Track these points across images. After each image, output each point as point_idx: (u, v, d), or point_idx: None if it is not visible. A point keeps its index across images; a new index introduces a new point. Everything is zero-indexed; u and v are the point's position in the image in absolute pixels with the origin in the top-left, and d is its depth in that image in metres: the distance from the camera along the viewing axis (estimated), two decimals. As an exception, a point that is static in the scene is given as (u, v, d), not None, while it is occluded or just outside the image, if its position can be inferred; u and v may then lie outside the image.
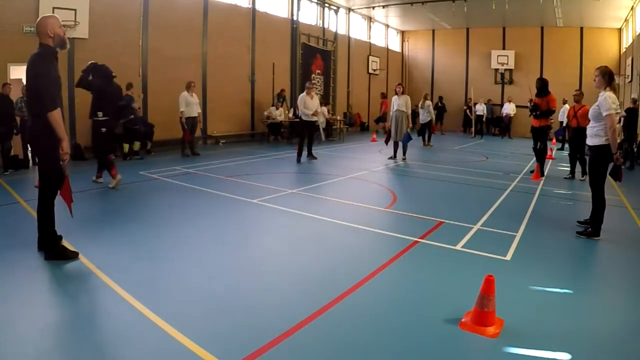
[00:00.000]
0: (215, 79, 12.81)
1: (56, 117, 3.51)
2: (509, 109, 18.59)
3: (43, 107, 3.48)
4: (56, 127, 3.52)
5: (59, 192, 3.78)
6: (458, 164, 10.55)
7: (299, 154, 10.01)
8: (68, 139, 3.68)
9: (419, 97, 15.36)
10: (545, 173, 9.13)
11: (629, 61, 15.27)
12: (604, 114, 4.57)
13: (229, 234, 4.78)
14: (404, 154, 10.76)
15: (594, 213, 4.83)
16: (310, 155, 10.36)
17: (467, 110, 20.15)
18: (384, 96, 18.71)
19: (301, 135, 10.26)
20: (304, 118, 10.18)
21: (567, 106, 13.43)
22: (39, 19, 3.67)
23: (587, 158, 5.06)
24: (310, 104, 10.11)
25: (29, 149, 7.80)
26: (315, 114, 10.19)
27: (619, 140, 6.99)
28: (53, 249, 3.73)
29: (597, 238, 4.77)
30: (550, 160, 11.54)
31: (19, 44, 8.29)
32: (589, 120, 4.91)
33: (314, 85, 10.64)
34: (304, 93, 10.25)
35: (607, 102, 4.55)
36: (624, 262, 4.28)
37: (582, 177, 8.51)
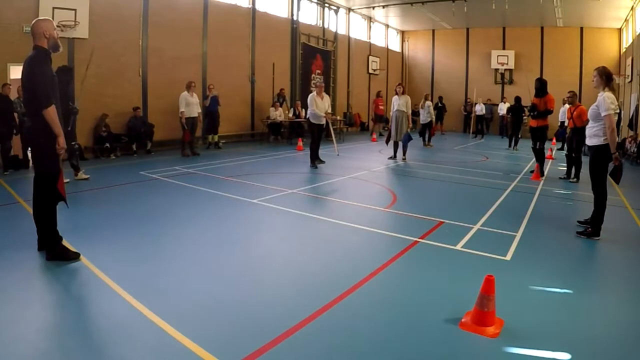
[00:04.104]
0: (215, 79, 12.80)
1: (51, 113, 3.58)
2: (504, 109, 18.59)
3: (39, 105, 3.54)
4: (52, 124, 3.60)
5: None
6: (458, 164, 10.55)
7: (313, 159, 9.35)
8: (63, 135, 3.73)
9: (419, 97, 15.36)
10: (545, 173, 9.13)
11: (629, 61, 15.27)
12: (603, 114, 4.57)
13: (229, 234, 4.77)
14: (404, 154, 10.77)
15: (594, 213, 4.83)
16: (318, 159, 9.40)
17: (463, 108, 20.71)
18: (379, 95, 18.60)
19: (313, 139, 9.35)
20: (312, 120, 9.28)
21: (567, 106, 13.44)
22: (34, 21, 3.73)
23: (588, 158, 5.05)
24: (321, 105, 9.24)
25: (29, 148, 7.84)
26: (326, 116, 9.29)
27: (618, 140, 6.99)
28: (54, 250, 3.74)
29: (597, 238, 4.77)
30: (550, 160, 11.54)
31: (19, 44, 8.29)
32: (587, 120, 4.91)
33: (322, 85, 9.81)
34: (314, 93, 9.36)
35: (605, 102, 4.55)
36: (624, 262, 4.29)
37: (573, 178, 8.50)
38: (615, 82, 4.87)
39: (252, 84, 14.53)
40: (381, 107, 18.00)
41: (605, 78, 4.67)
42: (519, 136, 14.48)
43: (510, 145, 14.34)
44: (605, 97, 4.57)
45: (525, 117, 15.49)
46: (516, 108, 13.95)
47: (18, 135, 8.21)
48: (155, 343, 2.55)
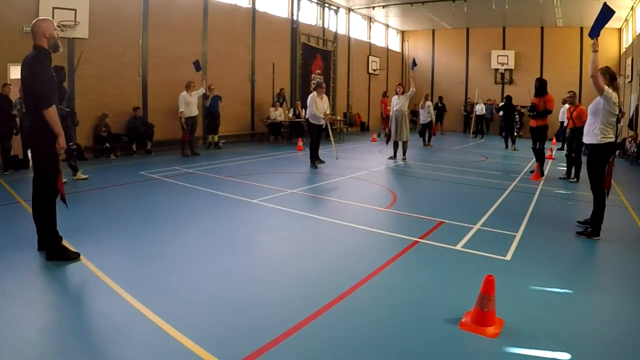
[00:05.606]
0: (215, 79, 12.80)
1: (51, 114, 3.58)
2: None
3: (39, 105, 3.54)
4: (52, 124, 3.60)
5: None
6: (458, 164, 10.55)
7: (312, 159, 9.33)
8: (63, 135, 3.72)
9: (419, 97, 15.37)
10: (545, 173, 9.13)
11: (629, 61, 15.27)
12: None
13: (229, 234, 4.77)
14: (404, 154, 10.77)
15: (594, 213, 4.83)
16: (317, 159, 9.37)
17: (463, 108, 20.75)
18: (385, 95, 18.34)
19: (312, 139, 9.31)
20: (311, 121, 9.24)
21: (567, 106, 13.44)
22: (34, 21, 3.72)
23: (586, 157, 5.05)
24: (320, 106, 9.18)
25: (29, 149, 7.83)
26: (325, 117, 9.22)
27: (618, 140, 6.98)
28: (54, 250, 3.74)
29: (597, 238, 4.77)
30: (550, 160, 11.54)
31: (19, 44, 8.28)
32: (586, 119, 4.91)
33: (322, 85, 9.74)
34: (314, 93, 9.29)
35: (610, 93, 4.56)
36: (624, 262, 4.28)
37: (573, 178, 8.50)
38: (617, 82, 4.86)
39: (252, 84, 14.53)
40: (388, 108, 17.84)
41: (610, 77, 4.66)
42: (514, 134, 14.46)
43: (506, 146, 14.32)
44: (611, 92, 4.58)
45: (517, 116, 15.43)
46: (507, 107, 13.91)
47: (18, 135, 8.21)
48: (155, 343, 2.55)
